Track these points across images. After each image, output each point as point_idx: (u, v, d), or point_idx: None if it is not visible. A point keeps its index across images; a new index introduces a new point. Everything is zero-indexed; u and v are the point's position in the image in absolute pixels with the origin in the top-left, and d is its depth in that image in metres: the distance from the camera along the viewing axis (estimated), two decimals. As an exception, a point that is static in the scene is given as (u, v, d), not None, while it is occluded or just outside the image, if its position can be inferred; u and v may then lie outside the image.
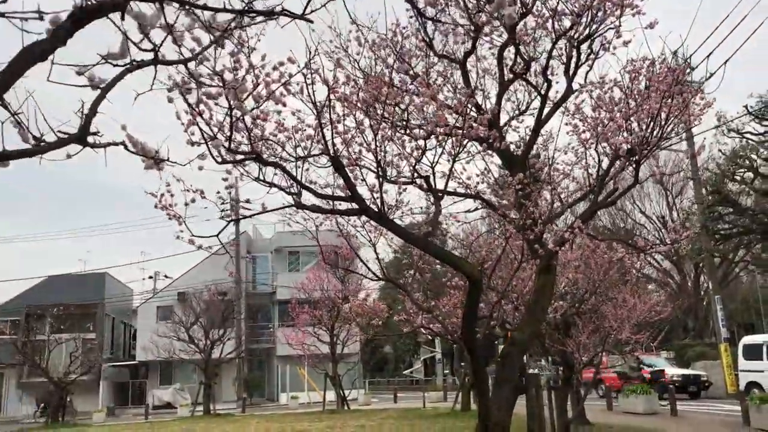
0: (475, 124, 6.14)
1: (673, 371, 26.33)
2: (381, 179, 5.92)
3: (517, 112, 8.78)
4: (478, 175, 8.18)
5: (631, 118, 6.69)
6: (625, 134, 6.71)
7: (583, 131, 7.89)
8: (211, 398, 28.59)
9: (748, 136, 27.87)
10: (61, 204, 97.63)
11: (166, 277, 52.13)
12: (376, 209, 5.90)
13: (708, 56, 11.84)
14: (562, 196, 8.67)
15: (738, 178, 26.39)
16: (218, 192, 6.25)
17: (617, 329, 11.01)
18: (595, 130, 7.25)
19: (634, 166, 6.90)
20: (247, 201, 6.69)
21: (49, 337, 34.90)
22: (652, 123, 6.46)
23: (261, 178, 6.30)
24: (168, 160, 3.78)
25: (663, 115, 6.61)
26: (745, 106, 27.04)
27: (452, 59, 7.53)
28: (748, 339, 23.86)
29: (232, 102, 5.21)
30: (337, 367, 27.01)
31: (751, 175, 27.87)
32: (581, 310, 11.23)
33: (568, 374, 11.54)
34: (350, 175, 6.09)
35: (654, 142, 6.60)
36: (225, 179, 6.22)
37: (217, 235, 6.18)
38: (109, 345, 45.68)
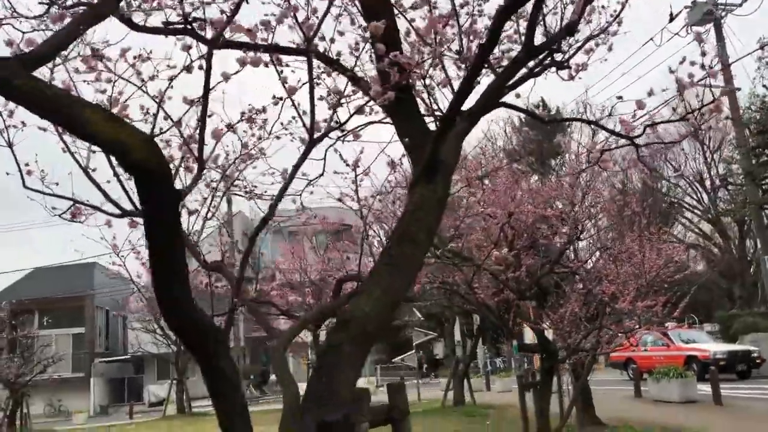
0: None
1: (716, 348, 22.05)
2: None
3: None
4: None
5: None
6: None
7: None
8: (186, 394, 25.39)
9: (798, 64, 23.35)
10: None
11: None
12: None
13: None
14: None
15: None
16: None
17: (620, 295, 7.19)
18: None
19: None
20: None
21: (37, 334, 32.20)
22: None
23: None
24: None
25: None
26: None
27: None
28: (809, 305, 19.57)
29: None
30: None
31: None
32: (564, 267, 7.44)
33: (548, 365, 7.73)
34: None
35: None
36: None
37: None
38: (104, 340, 43.00)
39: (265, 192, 5.07)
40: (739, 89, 24.12)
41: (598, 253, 8.10)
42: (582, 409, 12.15)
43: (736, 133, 23.43)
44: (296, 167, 3.62)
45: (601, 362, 32.05)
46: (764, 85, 24.47)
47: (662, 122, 4.17)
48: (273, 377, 34.66)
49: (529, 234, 7.18)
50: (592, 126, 4.24)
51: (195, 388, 40.10)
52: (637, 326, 7.21)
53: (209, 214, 4.64)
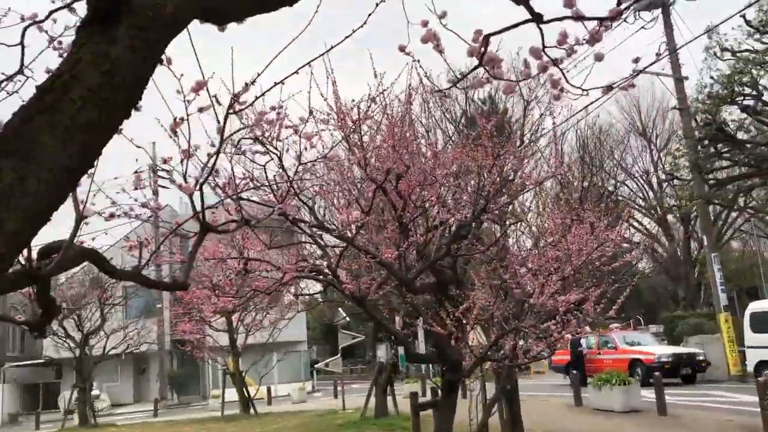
0: None
1: (661, 350, 20.77)
2: None
3: None
4: None
5: None
6: None
7: None
8: (88, 404, 22.97)
9: (745, 54, 22.26)
10: None
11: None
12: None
13: None
14: None
15: (738, 101, 20.62)
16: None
17: (539, 287, 5.42)
18: None
19: None
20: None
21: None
22: None
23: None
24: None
25: None
26: (743, 16, 21.55)
27: None
28: (757, 306, 18.37)
29: None
30: (239, 360, 21.49)
31: (752, 102, 22.21)
32: (472, 247, 5.63)
33: (450, 377, 5.90)
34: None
35: None
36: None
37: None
38: (18, 342, 39.74)
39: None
40: (686, 78, 23.02)
41: (527, 240, 6.40)
42: (508, 425, 10.42)
43: (683, 124, 22.23)
44: None
45: (544, 366, 30.69)
46: (711, 76, 23.39)
47: None
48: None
49: (421, 205, 5.37)
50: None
51: (121, 395, 37.32)
52: (560, 330, 5.44)
53: None
